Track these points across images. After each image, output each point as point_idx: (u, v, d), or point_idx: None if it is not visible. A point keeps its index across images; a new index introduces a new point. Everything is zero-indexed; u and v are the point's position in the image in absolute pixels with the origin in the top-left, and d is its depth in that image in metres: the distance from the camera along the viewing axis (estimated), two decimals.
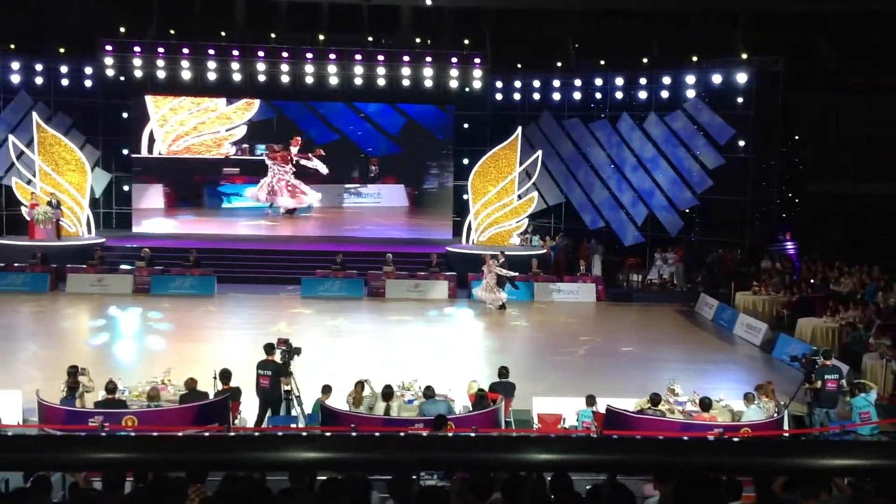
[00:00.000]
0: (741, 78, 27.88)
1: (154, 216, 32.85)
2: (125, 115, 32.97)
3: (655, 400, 13.26)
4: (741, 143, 28.74)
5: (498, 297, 24.71)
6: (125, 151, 33.18)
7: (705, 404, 13.21)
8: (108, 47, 31.68)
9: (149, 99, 32.25)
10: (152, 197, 32.83)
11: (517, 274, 25.62)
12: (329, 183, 33.00)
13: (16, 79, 30.89)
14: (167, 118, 32.49)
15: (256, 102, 32.63)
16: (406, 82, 32.41)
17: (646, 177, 29.73)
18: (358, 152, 33.13)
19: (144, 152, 32.43)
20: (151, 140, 32.44)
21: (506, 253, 26.36)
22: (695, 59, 29.41)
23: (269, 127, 33.19)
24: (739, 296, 24.45)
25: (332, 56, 32.09)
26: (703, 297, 25.55)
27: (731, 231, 28.97)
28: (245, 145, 33.04)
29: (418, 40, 33.44)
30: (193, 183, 32.95)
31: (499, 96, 33.66)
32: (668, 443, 3.02)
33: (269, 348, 14.12)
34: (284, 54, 32.05)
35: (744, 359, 20.64)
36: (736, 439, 3.11)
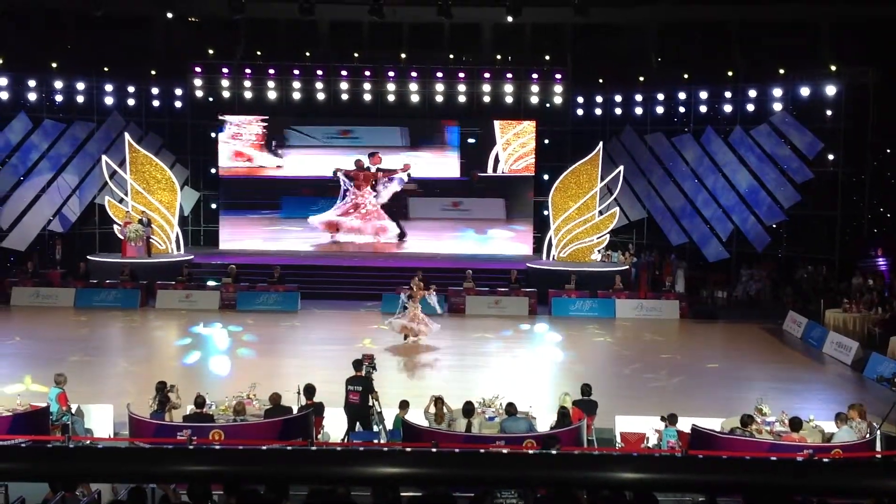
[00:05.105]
0: (830, 90, 27.24)
1: (498, 226, 33.46)
2: (213, 135, 33.82)
3: (746, 421, 12.91)
4: (830, 157, 28.05)
5: (428, 328, 21.88)
6: (213, 170, 34.03)
7: (796, 424, 12.83)
8: (197, 69, 32.63)
9: (496, 124, 32.86)
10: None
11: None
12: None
13: (109, 100, 31.97)
14: (510, 142, 33.02)
15: None
16: (486, 98, 32.59)
17: (731, 191, 29.20)
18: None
19: (490, 171, 33.06)
20: (496, 161, 33.07)
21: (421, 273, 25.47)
22: (781, 71, 28.85)
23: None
24: (829, 313, 23.77)
25: (414, 74, 32.45)
26: (791, 315, 24.91)
27: (821, 247, 28.25)
28: None
29: (499, 56, 33.59)
30: (527, 200, 33.35)
31: (580, 111, 33.57)
32: (757, 463, 2.96)
33: (357, 364, 14.23)
34: (367, 73, 32.55)
35: (834, 378, 20.04)
36: (827, 460, 3.03)
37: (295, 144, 33.38)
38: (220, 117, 33.01)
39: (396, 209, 33.32)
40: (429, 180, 33.32)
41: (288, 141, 33.37)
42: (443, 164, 33.34)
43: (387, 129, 33.40)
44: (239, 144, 33.19)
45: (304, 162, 33.28)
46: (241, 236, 33.59)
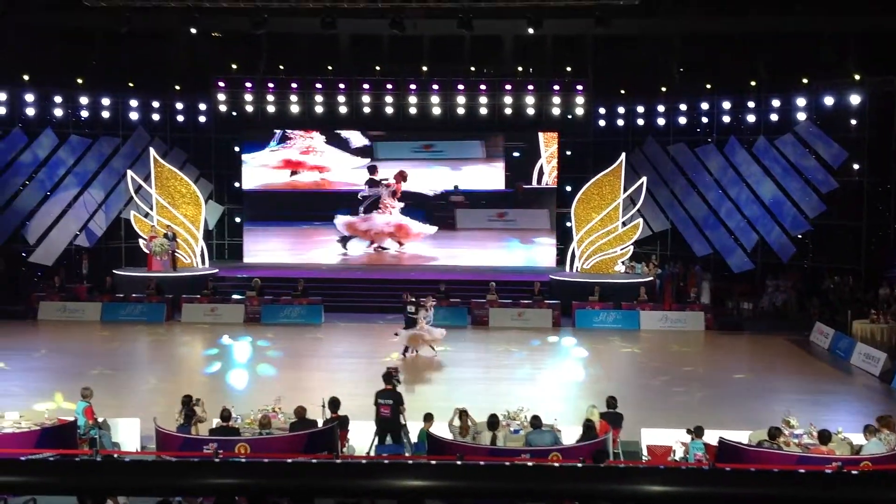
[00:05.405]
0: (854, 99, 27.04)
1: (543, 235, 33.80)
2: (237, 148, 34.07)
3: (774, 434, 12.79)
4: (855, 167, 27.83)
5: (435, 337, 22.37)
6: (236, 184, 34.26)
7: (825, 437, 12.70)
8: (221, 84, 32.89)
9: (541, 136, 33.24)
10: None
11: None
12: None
13: (134, 116, 32.29)
14: (555, 154, 33.36)
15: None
16: (508, 111, 32.64)
17: (755, 202, 29.03)
18: None
19: (535, 183, 33.38)
20: (541, 173, 33.45)
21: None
22: (805, 80, 28.68)
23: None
24: (856, 324, 23.53)
25: (435, 87, 32.55)
26: (817, 326, 24.70)
27: (847, 257, 28.01)
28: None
29: (520, 69, 33.61)
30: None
31: (602, 122, 33.51)
32: (785, 476, 2.93)
33: (387, 377, 14.24)
34: (388, 86, 32.70)
35: (862, 389, 19.84)
36: (856, 472, 3.01)
37: (382, 158, 33.76)
38: (287, 131, 33.48)
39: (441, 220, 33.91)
40: (475, 192, 33.60)
41: (377, 154, 33.73)
42: (489, 176, 33.59)
43: (469, 143, 33.70)
44: (315, 157, 33.81)
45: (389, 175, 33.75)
46: (302, 248, 33.92)
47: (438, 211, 33.69)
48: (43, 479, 2.97)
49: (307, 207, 33.72)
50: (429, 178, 33.60)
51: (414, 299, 22.63)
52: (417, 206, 33.64)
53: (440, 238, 33.79)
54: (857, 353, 21.85)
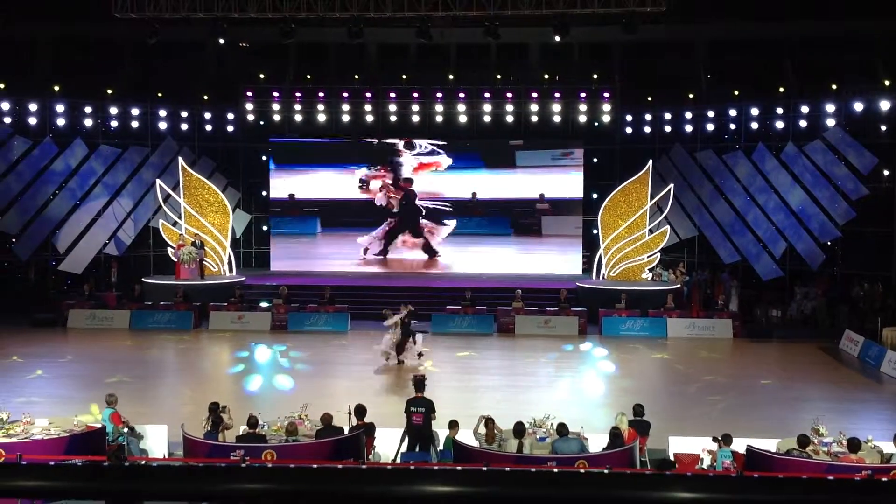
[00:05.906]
0: (884, 105, 26.78)
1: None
2: (264, 157, 34.27)
3: (803, 442, 12.67)
4: (885, 173, 27.55)
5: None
6: (264, 193, 34.44)
7: (854, 445, 12.56)
8: (249, 94, 33.08)
9: None
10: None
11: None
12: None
13: (163, 125, 32.55)
14: None
15: None
16: (534, 118, 32.60)
17: (784, 209, 28.76)
18: None
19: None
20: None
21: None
22: (834, 86, 28.45)
23: None
24: (887, 331, 23.26)
25: (462, 95, 32.59)
26: (847, 333, 24.44)
27: (877, 263, 27.71)
28: None
29: (546, 76, 33.60)
30: None
31: (628, 130, 33.39)
32: (814, 483, 2.91)
33: (418, 385, 14.24)
34: (415, 94, 32.76)
35: (892, 397, 19.60)
36: (885, 480, 2.98)
37: (522, 165, 33.79)
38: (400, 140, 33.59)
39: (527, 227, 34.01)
40: (558, 200, 33.61)
41: (517, 162, 33.79)
42: (569, 184, 33.53)
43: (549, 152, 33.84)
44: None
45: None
46: (331, 255, 34.04)
47: (524, 218, 33.72)
48: (71, 484, 3.00)
49: (341, 215, 33.85)
50: (565, 185, 33.55)
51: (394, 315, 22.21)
52: (503, 213, 33.70)
53: (525, 244, 33.78)
54: (887, 360, 21.61)
